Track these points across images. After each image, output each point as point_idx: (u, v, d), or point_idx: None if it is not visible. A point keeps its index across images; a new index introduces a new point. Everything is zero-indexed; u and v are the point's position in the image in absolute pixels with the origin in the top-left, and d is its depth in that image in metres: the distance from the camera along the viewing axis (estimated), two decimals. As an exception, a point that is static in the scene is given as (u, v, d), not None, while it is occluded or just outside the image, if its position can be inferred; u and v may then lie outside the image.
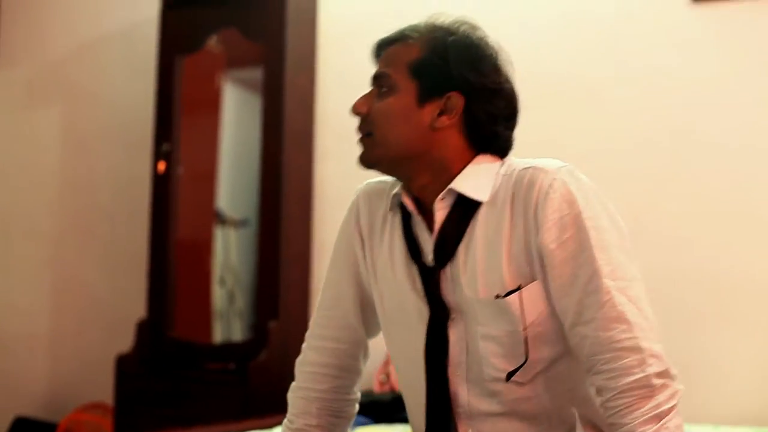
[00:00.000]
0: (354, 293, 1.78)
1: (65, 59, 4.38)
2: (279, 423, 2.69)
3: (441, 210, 1.59)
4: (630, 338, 1.45)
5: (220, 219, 3.86)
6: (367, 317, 1.79)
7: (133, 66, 4.12)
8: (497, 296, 1.53)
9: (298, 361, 1.84)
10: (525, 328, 1.53)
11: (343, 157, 3.69)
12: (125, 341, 3.78)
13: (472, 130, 1.60)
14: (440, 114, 1.58)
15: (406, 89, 1.60)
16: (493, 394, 1.58)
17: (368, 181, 1.79)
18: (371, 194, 1.77)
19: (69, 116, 4.38)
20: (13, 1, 4.49)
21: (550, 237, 1.50)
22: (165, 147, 3.71)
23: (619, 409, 1.45)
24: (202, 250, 3.91)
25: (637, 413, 1.43)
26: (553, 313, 1.54)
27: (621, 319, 1.46)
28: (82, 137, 4.33)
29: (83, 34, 4.34)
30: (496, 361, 1.56)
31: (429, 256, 1.62)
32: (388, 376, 3.17)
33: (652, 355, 1.45)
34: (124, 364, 3.61)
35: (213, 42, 3.80)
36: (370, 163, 1.64)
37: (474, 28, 1.64)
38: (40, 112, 4.43)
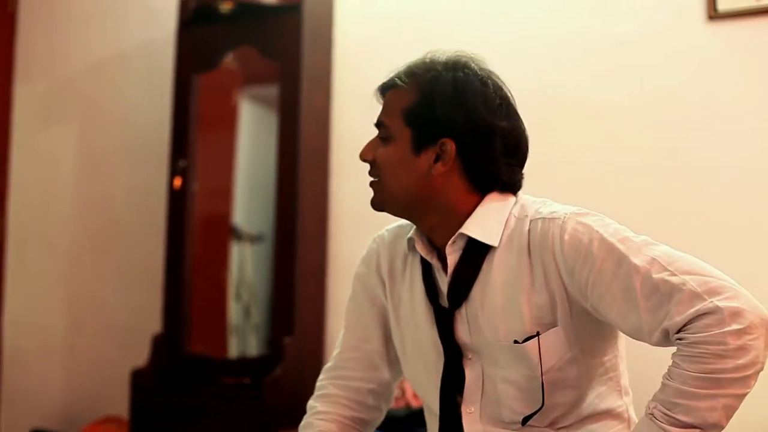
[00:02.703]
0: (380, 334, 1.84)
1: (82, 76, 4.41)
2: (294, 438, 2.71)
3: (453, 254, 1.63)
4: (707, 304, 1.40)
5: (235, 234, 3.88)
6: (392, 357, 1.86)
7: (150, 83, 4.16)
8: (515, 341, 1.56)
9: (318, 395, 1.89)
10: (542, 374, 1.55)
11: (357, 175, 3.67)
12: (141, 356, 3.80)
13: (472, 171, 1.62)
14: (436, 161, 1.61)
15: (402, 138, 1.64)
16: None
17: (388, 227, 1.85)
18: (391, 239, 1.82)
19: (85, 132, 4.40)
20: (31, 17, 4.53)
21: (585, 270, 1.51)
22: (181, 163, 3.73)
23: (687, 353, 1.41)
24: (218, 265, 3.92)
25: (697, 366, 1.39)
26: (573, 360, 1.56)
27: (693, 295, 1.41)
28: (98, 153, 4.36)
29: (100, 51, 4.37)
30: (514, 404, 1.59)
31: (445, 297, 1.66)
32: (403, 391, 3.17)
33: (732, 313, 1.39)
34: (139, 379, 3.62)
35: (229, 59, 3.83)
36: (380, 206, 1.70)
37: (471, 60, 1.65)
38: (56, 128, 4.45)
